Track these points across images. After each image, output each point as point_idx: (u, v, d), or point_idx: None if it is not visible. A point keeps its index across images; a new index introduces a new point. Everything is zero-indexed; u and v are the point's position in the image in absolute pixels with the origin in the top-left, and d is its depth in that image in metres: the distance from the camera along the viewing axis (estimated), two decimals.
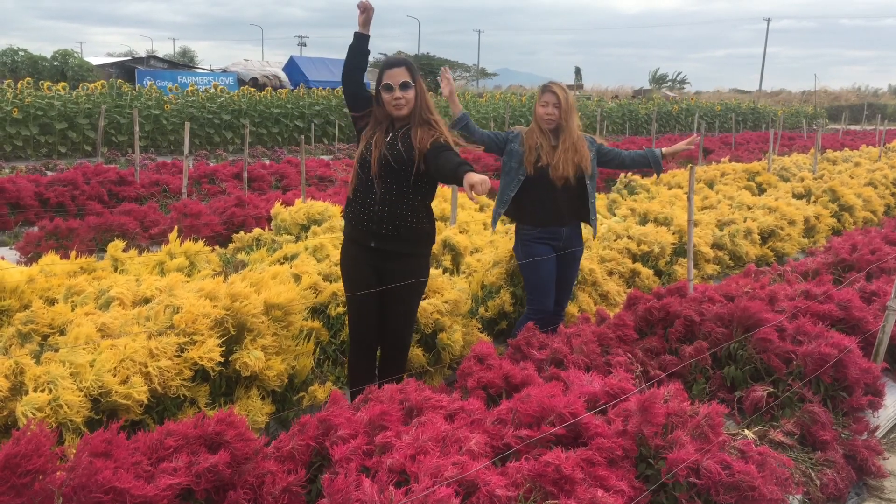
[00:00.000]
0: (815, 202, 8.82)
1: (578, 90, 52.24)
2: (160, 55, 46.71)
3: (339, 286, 4.08)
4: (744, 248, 6.72)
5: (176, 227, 5.11)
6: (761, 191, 9.95)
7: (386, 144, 3.28)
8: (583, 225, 4.30)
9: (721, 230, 6.85)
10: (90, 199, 8.91)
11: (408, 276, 3.37)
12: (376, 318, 3.43)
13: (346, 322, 3.96)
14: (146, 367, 2.83)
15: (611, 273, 5.42)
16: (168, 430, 2.16)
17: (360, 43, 3.32)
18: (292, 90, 24.65)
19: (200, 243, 4.86)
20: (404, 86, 3.24)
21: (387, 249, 3.33)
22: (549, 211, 4.09)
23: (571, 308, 4.69)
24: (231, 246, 6.12)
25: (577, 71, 63.72)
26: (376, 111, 3.36)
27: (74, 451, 2.03)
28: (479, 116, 25.63)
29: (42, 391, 2.59)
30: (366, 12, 3.26)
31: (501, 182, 4.18)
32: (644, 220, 6.94)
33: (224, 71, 38.58)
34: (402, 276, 3.35)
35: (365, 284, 3.35)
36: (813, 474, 2.98)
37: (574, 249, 4.22)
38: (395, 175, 3.27)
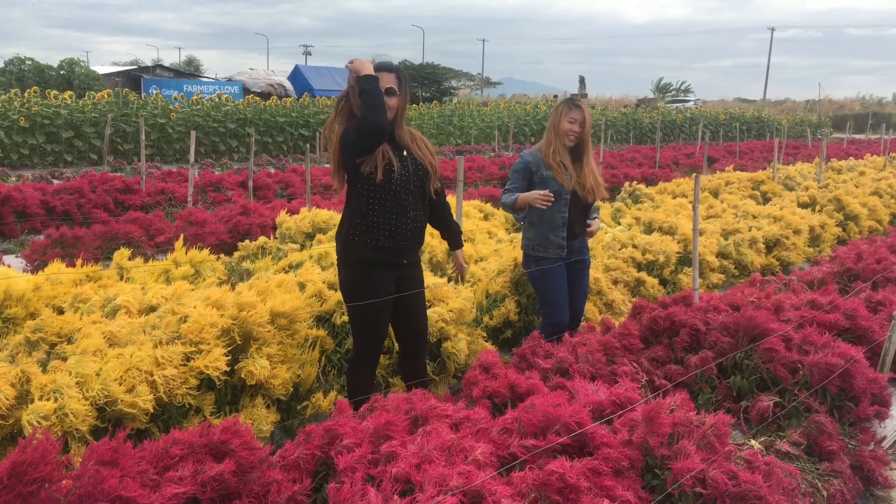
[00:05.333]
0: (820, 211, 8.81)
1: (582, 99, 52.23)
2: (166, 64, 46.95)
3: None
4: (749, 257, 6.71)
5: (181, 236, 5.13)
6: (766, 200, 9.94)
7: (403, 160, 3.18)
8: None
9: (726, 239, 6.84)
10: (96, 208, 8.94)
11: (419, 276, 3.42)
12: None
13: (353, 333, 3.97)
14: (152, 375, 2.83)
15: (616, 282, 5.42)
16: (174, 438, 2.16)
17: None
18: (297, 99, 24.75)
19: (206, 251, 4.87)
20: (389, 92, 3.12)
21: (412, 262, 3.35)
22: (574, 226, 4.08)
23: None
24: (236, 254, 6.13)
25: (582, 80, 63.78)
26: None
27: (80, 460, 2.03)
28: (484, 125, 25.71)
29: (48, 400, 2.60)
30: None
31: (544, 210, 4.00)
32: (649, 229, 6.93)
33: (229, 80, 38.76)
34: (416, 280, 3.39)
35: (389, 302, 3.29)
36: (820, 485, 2.97)
37: (583, 258, 4.20)
38: (419, 189, 3.24)
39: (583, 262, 4.21)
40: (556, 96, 54.19)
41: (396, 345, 3.99)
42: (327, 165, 16.51)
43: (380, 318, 3.29)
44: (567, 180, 3.98)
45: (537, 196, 3.91)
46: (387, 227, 3.16)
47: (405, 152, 3.21)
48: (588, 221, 4.18)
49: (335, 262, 4.76)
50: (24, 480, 1.79)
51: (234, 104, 21.42)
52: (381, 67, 3.14)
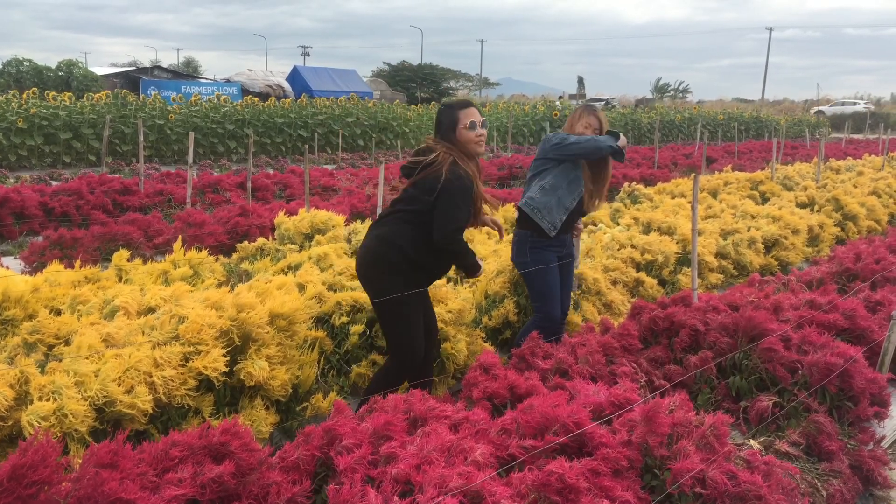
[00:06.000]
0: (818, 211, 8.81)
1: (581, 100, 52.38)
2: (164, 65, 46.94)
3: (342, 296, 4.08)
4: (748, 257, 6.71)
5: (180, 237, 5.12)
6: (765, 200, 9.95)
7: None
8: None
9: (725, 239, 6.84)
10: (94, 209, 8.93)
11: None
12: None
13: (351, 333, 3.97)
14: (151, 376, 2.83)
15: (615, 282, 5.41)
16: (173, 440, 2.16)
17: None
18: (296, 100, 24.74)
19: (204, 252, 4.88)
20: (484, 124, 3.38)
21: None
22: (569, 220, 4.11)
23: (576, 317, 4.69)
24: (235, 255, 6.13)
25: (580, 80, 63.78)
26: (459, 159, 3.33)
27: (79, 461, 2.03)
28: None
29: (47, 400, 2.60)
30: None
31: (562, 185, 4.04)
32: (648, 230, 6.94)
33: (228, 81, 38.75)
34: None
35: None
36: (819, 485, 2.97)
37: (572, 256, 4.26)
38: None
39: (572, 256, 4.29)
40: (560, 97, 54.45)
41: None
42: (326, 166, 16.50)
43: (423, 324, 3.42)
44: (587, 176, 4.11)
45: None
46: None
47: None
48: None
49: (333, 264, 4.79)
50: (24, 483, 1.79)
51: (233, 105, 21.40)
52: (469, 103, 3.44)
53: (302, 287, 4.13)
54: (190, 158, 9.37)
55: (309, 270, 4.50)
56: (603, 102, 43.23)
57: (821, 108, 45.97)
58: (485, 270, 3.66)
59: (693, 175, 5.00)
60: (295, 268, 4.90)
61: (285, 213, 6.59)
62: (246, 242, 6.31)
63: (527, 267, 4.10)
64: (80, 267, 4.29)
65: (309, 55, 68.69)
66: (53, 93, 18.39)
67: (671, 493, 2.36)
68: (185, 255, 4.71)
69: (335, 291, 4.20)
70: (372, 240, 3.38)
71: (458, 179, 3.23)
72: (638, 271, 5.69)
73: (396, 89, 47.61)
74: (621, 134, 4.00)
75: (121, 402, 2.69)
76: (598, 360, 3.45)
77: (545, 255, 4.06)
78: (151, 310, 3.50)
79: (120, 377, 2.77)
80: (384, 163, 8.45)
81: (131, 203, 9.46)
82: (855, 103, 48.65)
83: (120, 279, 4.44)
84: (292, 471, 2.29)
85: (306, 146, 9.42)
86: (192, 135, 9.44)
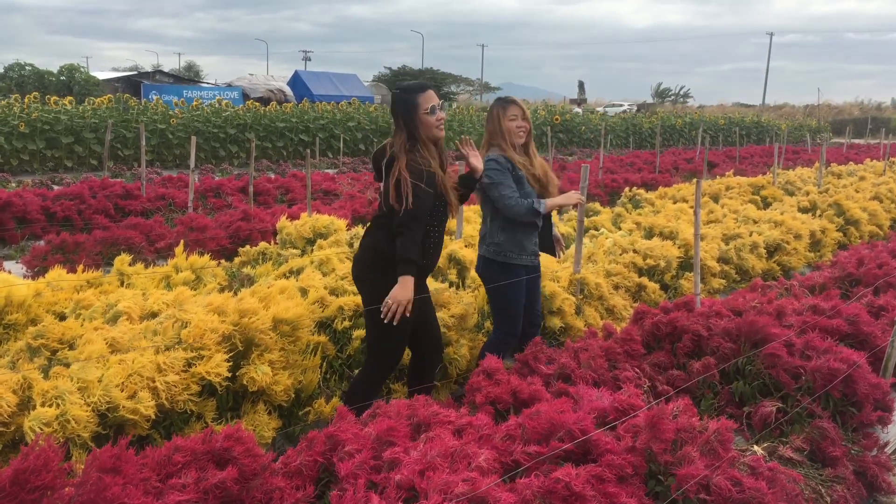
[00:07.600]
0: (820, 216, 8.80)
1: (582, 104, 52.46)
2: (166, 70, 47.01)
3: (345, 300, 4.08)
4: (750, 262, 6.70)
5: (182, 241, 5.12)
6: (766, 205, 9.94)
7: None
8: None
9: (727, 244, 6.84)
10: (96, 213, 8.93)
11: (425, 283, 3.52)
12: None
13: (354, 338, 3.97)
14: (154, 381, 2.83)
15: (617, 287, 5.41)
16: (176, 445, 2.16)
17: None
18: (297, 104, 24.76)
19: (206, 257, 4.87)
20: (443, 107, 3.26)
21: None
22: (535, 231, 3.88)
23: (578, 322, 4.68)
24: (237, 260, 6.12)
25: (581, 85, 63.99)
26: (421, 144, 3.16)
27: (82, 467, 2.03)
28: (483, 130, 25.72)
29: (50, 406, 2.59)
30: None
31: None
32: (650, 234, 6.93)
33: (229, 85, 38.79)
34: (424, 287, 3.47)
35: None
36: (823, 491, 2.96)
37: (539, 271, 4.02)
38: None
39: (539, 271, 4.04)
40: (572, 100, 54.76)
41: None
42: (327, 171, 16.44)
43: (409, 331, 3.33)
44: (535, 184, 3.79)
45: (575, 196, 3.88)
46: (434, 243, 3.30)
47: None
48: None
49: (336, 268, 4.78)
50: (27, 488, 1.78)
51: (234, 110, 21.41)
52: (427, 86, 3.27)
53: (304, 291, 4.13)
54: (192, 163, 9.36)
55: (311, 275, 4.50)
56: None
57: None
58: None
59: (695, 180, 5.00)
60: (297, 272, 4.89)
61: (287, 218, 6.59)
62: (248, 247, 6.30)
63: (498, 283, 3.80)
64: (83, 271, 4.29)
65: (310, 60, 68.86)
66: (55, 97, 18.42)
67: (675, 499, 2.35)
68: (187, 259, 4.71)
69: (337, 296, 4.19)
70: (359, 249, 3.36)
71: (413, 170, 3.09)
72: (640, 276, 5.68)
73: None
74: (544, 203, 3.71)
75: (124, 407, 2.68)
76: (601, 365, 3.44)
77: (517, 272, 3.81)
78: (154, 314, 3.49)
79: (123, 382, 2.76)
80: None
81: (133, 207, 9.46)
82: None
83: (122, 284, 4.44)
84: (295, 476, 2.28)
85: (308, 150, 9.41)
86: (193, 139, 9.44)
